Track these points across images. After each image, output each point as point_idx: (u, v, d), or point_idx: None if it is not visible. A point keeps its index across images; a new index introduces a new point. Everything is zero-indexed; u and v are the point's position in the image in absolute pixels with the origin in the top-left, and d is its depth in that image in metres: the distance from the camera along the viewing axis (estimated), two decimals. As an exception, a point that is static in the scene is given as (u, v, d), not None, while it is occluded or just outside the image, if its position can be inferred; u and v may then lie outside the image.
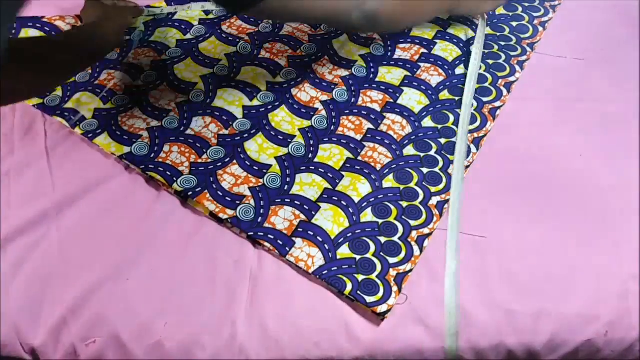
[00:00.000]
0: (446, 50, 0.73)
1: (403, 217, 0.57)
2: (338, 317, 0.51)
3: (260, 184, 0.59)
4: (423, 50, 0.73)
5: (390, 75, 0.70)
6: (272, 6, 0.47)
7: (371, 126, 0.65)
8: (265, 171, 0.60)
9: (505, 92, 0.69)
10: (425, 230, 0.56)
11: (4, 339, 0.51)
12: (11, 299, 0.52)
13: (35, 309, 0.52)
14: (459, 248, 0.55)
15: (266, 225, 0.56)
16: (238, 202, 0.57)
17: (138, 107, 0.66)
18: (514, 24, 0.78)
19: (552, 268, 0.54)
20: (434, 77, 0.70)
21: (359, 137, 0.63)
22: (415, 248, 0.55)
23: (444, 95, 0.68)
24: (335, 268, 0.53)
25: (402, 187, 0.59)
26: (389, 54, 0.73)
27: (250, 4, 0.47)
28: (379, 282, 0.52)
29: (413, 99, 0.68)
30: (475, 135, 0.64)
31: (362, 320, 0.51)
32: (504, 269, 0.54)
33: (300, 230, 0.56)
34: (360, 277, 0.52)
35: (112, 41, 0.64)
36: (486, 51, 0.73)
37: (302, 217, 0.57)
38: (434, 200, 0.58)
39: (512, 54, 0.73)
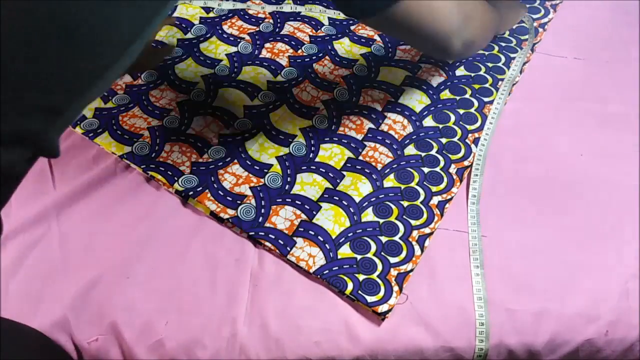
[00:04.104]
0: (447, 50, 0.73)
1: (404, 216, 0.57)
2: (339, 317, 0.51)
3: (261, 184, 0.59)
4: (423, 50, 0.73)
5: (392, 75, 0.71)
6: (394, 17, 0.45)
7: (372, 126, 0.65)
8: (266, 171, 0.60)
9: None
10: (427, 230, 0.56)
11: (4, 338, 0.51)
12: (11, 297, 0.52)
13: (35, 308, 0.51)
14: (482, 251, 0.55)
15: (267, 224, 0.56)
16: (239, 202, 0.57)
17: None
18: (514, 26, 0.78)
19: (552, 268, 0.54)
20: (434, 77, 0.70)
21: (359, 137, 0.64)
22: (416, 248, 0.55)
23: (445, 94, 0.68)
24: (336, 268, 0.53)
25: (403, 186, 0.59)
26: (390, 54, 0.73)
27: (371, 12, 0.45)
28: (379, 281, 0.52)
29: (414, 98, 0.68)
30: (476, 135, 0.64)
31: (363, 320, 0.51)
32: (504, 268, 0.54)
33: (301, 229, 0.56)
34: (361, 277, 0.52)
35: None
36: (486, 53, 0.73)
37: (303, 216, 0.57)
38: (435, 200, 0.58)
39: (512, 55, 0.73)
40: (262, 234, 0.55)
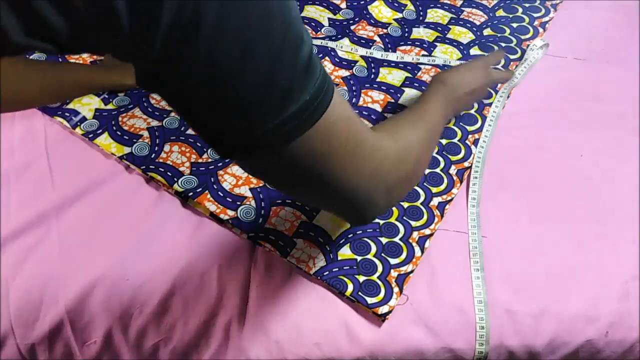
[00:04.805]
0: (446, 52, 0.73)
1: (404, 217, 0.57)
2: (339, 318, 0.51)
3: (261, 185, 0.59)
4: (423, 52, 0.73)
5: (391, 76, 0.70)
6: (289, 161, 0.32)
7: (372, 126, 0.64)
8: (266, 172, 0.60)
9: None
10: (427, 231, 0.56)
11: (2, 339, 0.50)
12: (10, 299, 0.52)
13: (35, 309, 0.51)
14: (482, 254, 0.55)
15: (267, 226, 0.56)
16: (239, 203, 0.57)
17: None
18: (515, 25, 0.78)
19: (552, 268, 0.54)
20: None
21: (359, 138, 0.63)
22: (417, 249, 0.55)
23: (445, 95, 0.68)
24: (337, 269, 0.53)
25: (402, 187, 0.59)
26: (390, 52, 0.73)
27: (247, 149, 0.31)
28: (380, 283, 0.52)
29: (414, 99, 0.68)
30: (476, 136, 0.64)
31: (363, 321, 0.51)
32: (504, 269, 0.54)
33: (301, 231, 0.55)
34: (362, 278, 0.52)
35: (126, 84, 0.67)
36: (485, 55, 0.73)
37: (303, 217, 0.57)
38: (435, 201, 0.58)
39: (512, 57, 0.73)
40: (262, 235, 0.55)
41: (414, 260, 0.54)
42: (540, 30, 0.77)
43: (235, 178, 0.60)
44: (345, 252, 0.54)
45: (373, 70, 0.71)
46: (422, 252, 0.55)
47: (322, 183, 0.34)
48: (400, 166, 0.39)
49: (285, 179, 0.35)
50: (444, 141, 0.63)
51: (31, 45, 0.25)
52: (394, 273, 0.53)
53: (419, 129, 0.44)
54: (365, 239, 0.55)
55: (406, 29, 0.77)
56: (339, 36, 0.75)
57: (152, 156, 0.61)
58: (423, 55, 0.73)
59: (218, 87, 0.28)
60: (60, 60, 0.71)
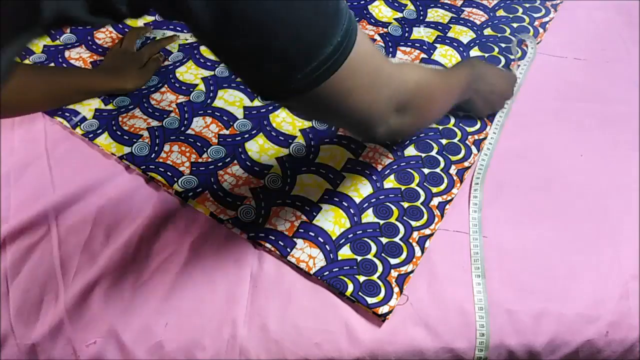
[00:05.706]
0: (445, 55, 0.73)
1: (404, 217, 0.57)
2: (339, 318, 0.51)
3: (261, 185, 0.59)
4: (423, 55, 0.73)
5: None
6: (318, 98, 0.36)
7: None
8: (266, 172, 0.60)
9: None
10: (427, 231, 0.56)
11: (2, 339, 0.51)
12: (11, 299, 0.52)
13: (35, 309, 0.51)
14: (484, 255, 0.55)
15: (267, 226, 0.56)
16: (239, 203, 0.57)
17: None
18: (515, 25, 0.78)
19: (552, 268, 0.54)
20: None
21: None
22: (417, 249, 0.55)
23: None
24: (337, 269, 0.53)
25: (403, 187, 0.59)
26: (390, 56, 0.73)
27: (286, 94, 0.36)
28: (380, 283, 0.52)
29: None
30: (476, 137, 0.64)
31: (363, 321, 0.51)
32: (505, 268, 0.54)
33: (302, 230, 0.55)
34: (362, 278, 0.52)
35: (126, 88, 0.68)
36: (486, 55, 0.73)
37: (303, 217, 0.57)
38: (435, 201, 0.58)
39: (513, 57, 0.73)
40: (262, 235, 0.55)
41: (414, 260, 0.54)
42: (541, 30, 0.77)
43: (235, 178, 0.60)
44: (346, 252, 0.54)
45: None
46: (422, 252, 0.55)
47: (343, 110, 0.38)
48: (416, 94, 0.43)
49: (311, 110, 0.40)
50: (444, 141, 0.63)
51: (93, 22, 0.29)
52: (394, 273, 0.53)
53: (440, 76, 0.49)
54: (366, 239, 0.55)
55: (406, 29, 0.77)
56: None
57: (152, 156, 0.61)
58: (422, 59, 0.73)
59: (264, 41, 0.32)
60: (61, 62, 0.71)
